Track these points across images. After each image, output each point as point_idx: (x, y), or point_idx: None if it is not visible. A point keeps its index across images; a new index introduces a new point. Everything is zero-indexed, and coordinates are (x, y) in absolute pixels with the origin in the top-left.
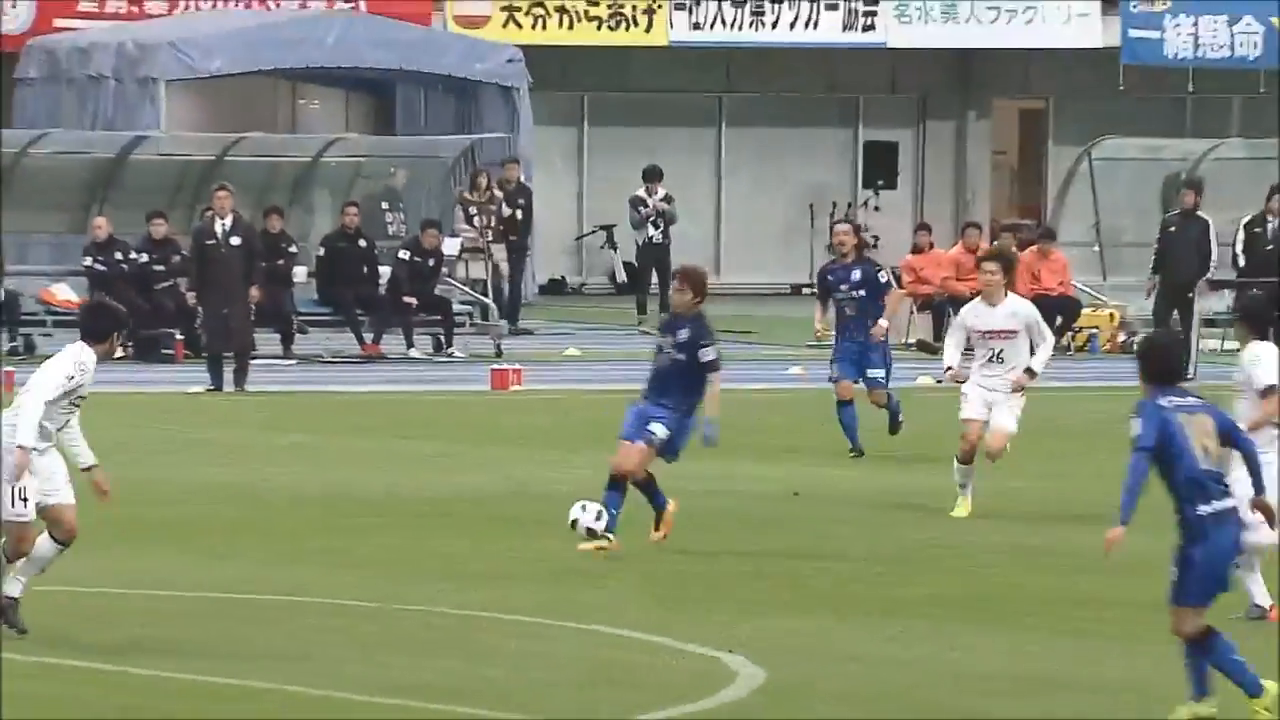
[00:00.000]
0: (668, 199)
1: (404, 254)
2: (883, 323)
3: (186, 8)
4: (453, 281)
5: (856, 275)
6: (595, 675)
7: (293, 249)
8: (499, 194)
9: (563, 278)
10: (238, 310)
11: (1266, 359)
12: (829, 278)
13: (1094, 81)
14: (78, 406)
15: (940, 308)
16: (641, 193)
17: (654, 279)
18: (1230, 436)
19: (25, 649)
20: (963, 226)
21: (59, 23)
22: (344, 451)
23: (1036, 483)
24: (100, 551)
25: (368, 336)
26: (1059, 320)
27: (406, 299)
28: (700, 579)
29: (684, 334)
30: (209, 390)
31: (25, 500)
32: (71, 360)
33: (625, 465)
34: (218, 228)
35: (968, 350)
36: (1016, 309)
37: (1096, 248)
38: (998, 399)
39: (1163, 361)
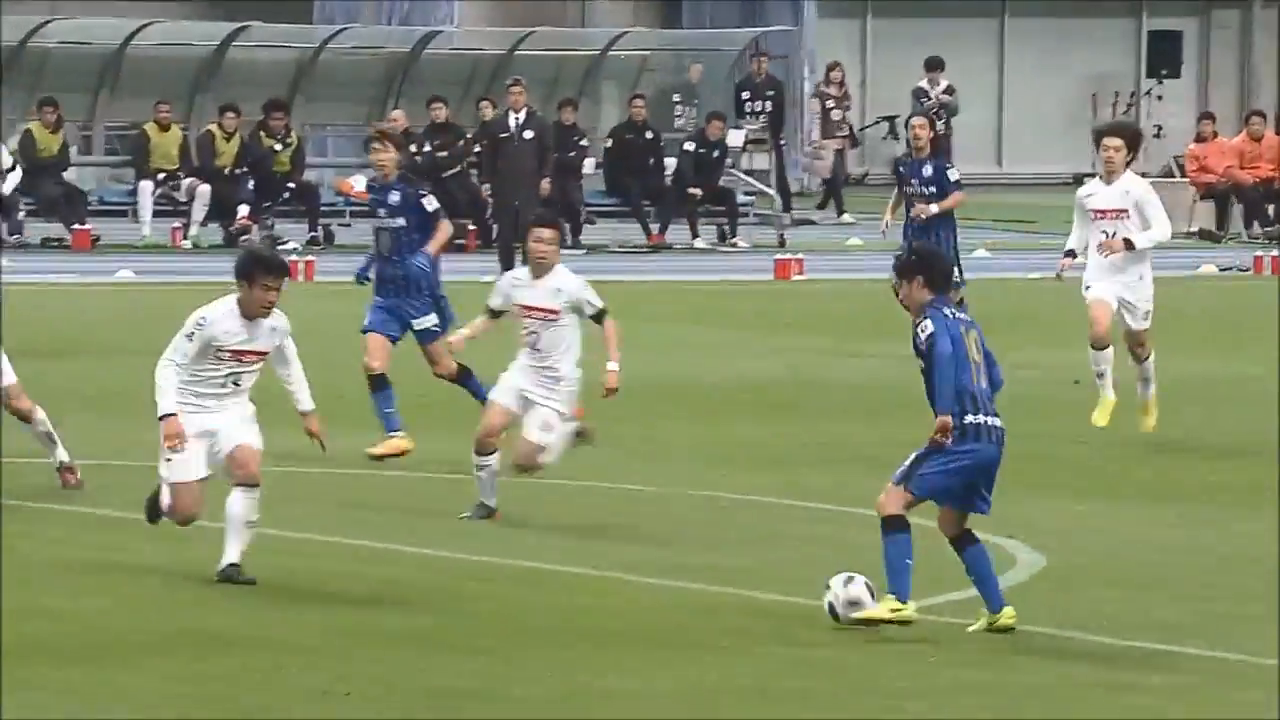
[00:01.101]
0: (950, 90)
1: (689, 146)
2: (931, 207)
3: None
4: (736, 172)
5: (929, 170)
6: (878, 561)
7: (584, 142)
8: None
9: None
10: (529, 201)
11: None
12: (901, 170)
13: None
14: (243, 361)
15: (1224, 196)
16: (924, 83)
17: None
18: (988, 357)
19: (294, 525)
20: (1246, 115)
21: None
22: (629, 340)
23: None
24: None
25: (654, 227)
26: None
27: (691, 190)
28: None
29: None
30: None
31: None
32: (191, 319)
33: None
34: (511, 121)
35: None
36: (1130, 187)
37: None
38: (1121, 283)
39: (943, 271)
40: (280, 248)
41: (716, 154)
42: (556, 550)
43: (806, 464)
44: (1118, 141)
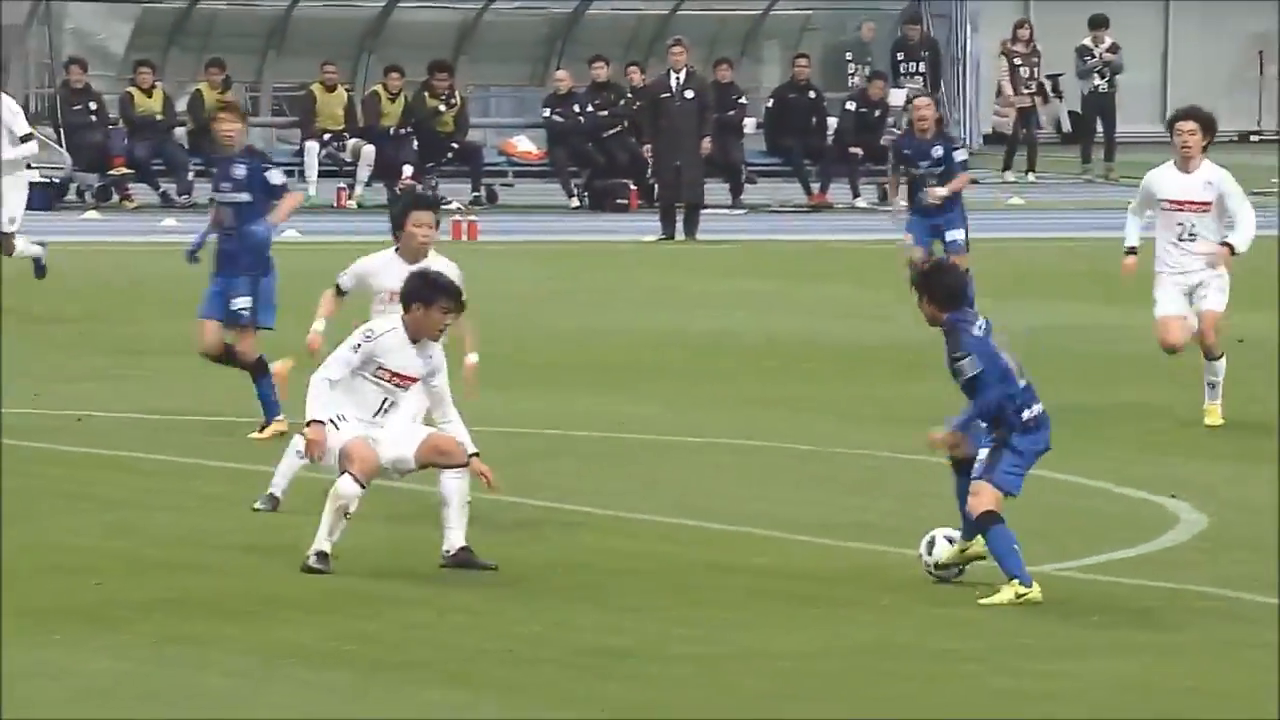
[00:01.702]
0: (1114, 48)
1: (850, 105)
2: (940, 190)
3: None
4: (897, 131)
5: (938, 151)
6: (1032, 521)
7: (741, 99)
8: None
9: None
10: (690, 161)
11: None
12: (906, 151)
13: None
14: (401, 385)
15: None
16: (1088, 41)
17: (1099, 128)
18: None
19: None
20: None
21: None
22: (791, 299)
23: None
24: (555, 393)
25: (815, 186)
26: None
27: (852, 149)
28: (1141, 425)
29: None
30: (661, 239)
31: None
32: (358, 332)
33: None
34: (672, 81)
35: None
36: (1212, 177)
37: None
38: (1195, 280)
39: (947, 287)
40: (444, 208)
41: (878, 113)
42: (712, 509)
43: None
44: (1192, 125)
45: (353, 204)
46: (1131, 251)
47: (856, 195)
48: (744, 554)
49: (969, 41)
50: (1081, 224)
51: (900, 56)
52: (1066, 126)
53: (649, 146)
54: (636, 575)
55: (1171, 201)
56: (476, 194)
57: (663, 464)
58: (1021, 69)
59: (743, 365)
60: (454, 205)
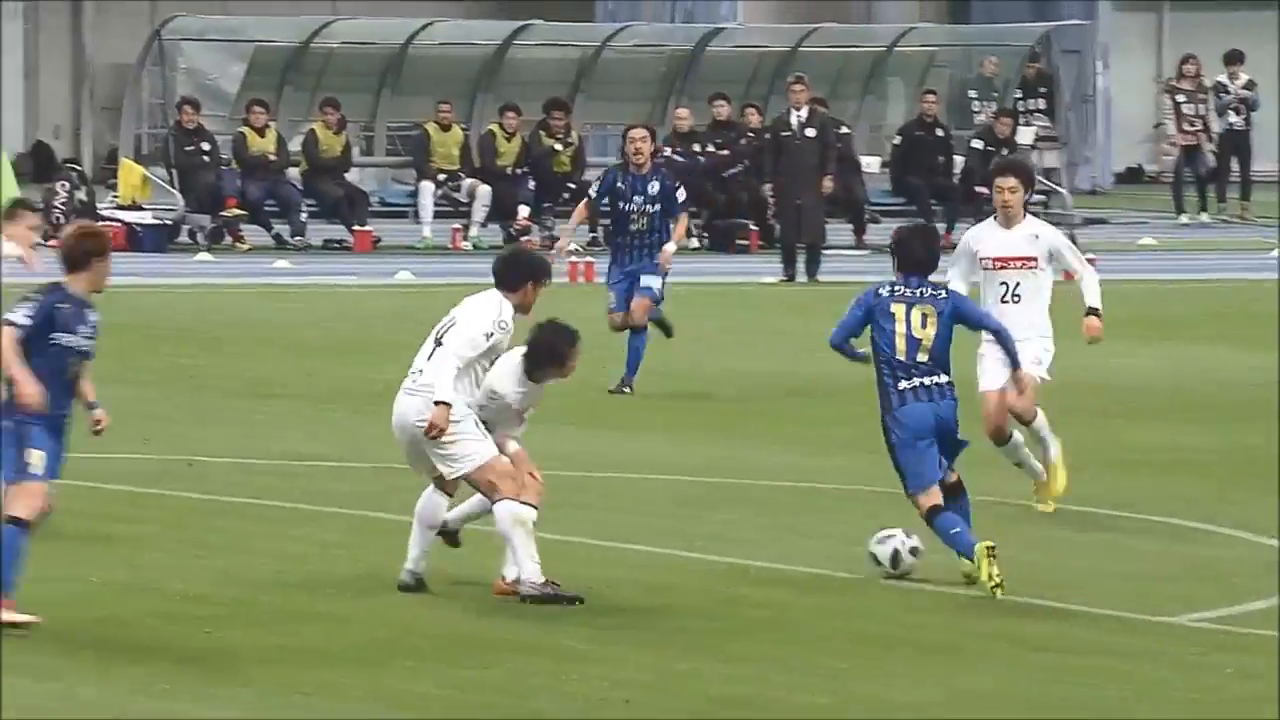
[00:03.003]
0: (1250, 84)
1: (977, 143)
2: (670, 247)
3: None
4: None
5: (654, 188)
6: (1167, 568)
7: (844, 130)
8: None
9: (1139, 165)
10: (811, 201)
11: None
12: (620, 185)
13: None
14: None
15: None
16: (1223, 78)
17: (1234, 166)
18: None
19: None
20: None
21: None
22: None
23: None
24: (671, 437)
25: (941, 226)
26: None
27: (979, 189)
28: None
29: None
30: (782, 280)
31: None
32: (492, 319)
33: None
34: (793, 119)
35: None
36: (1039, 231)
37: None
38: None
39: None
40: (562, 249)
41: (1005, 151)
42: (831, 554)
43: (1092, 468)
44: (1013, 181)
45: (468, 245)
46: None
47: None
48: (863, 601)
49: (1099, 78)
50: (1216, 265)
51: (1020, 94)
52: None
53: (770, 186)
54: (759, 623)
55: (995, 259)
56: (594, 234)
57: (789, 507)
58: (1185, 106)
59: (865, 409)
60: (571, 247)
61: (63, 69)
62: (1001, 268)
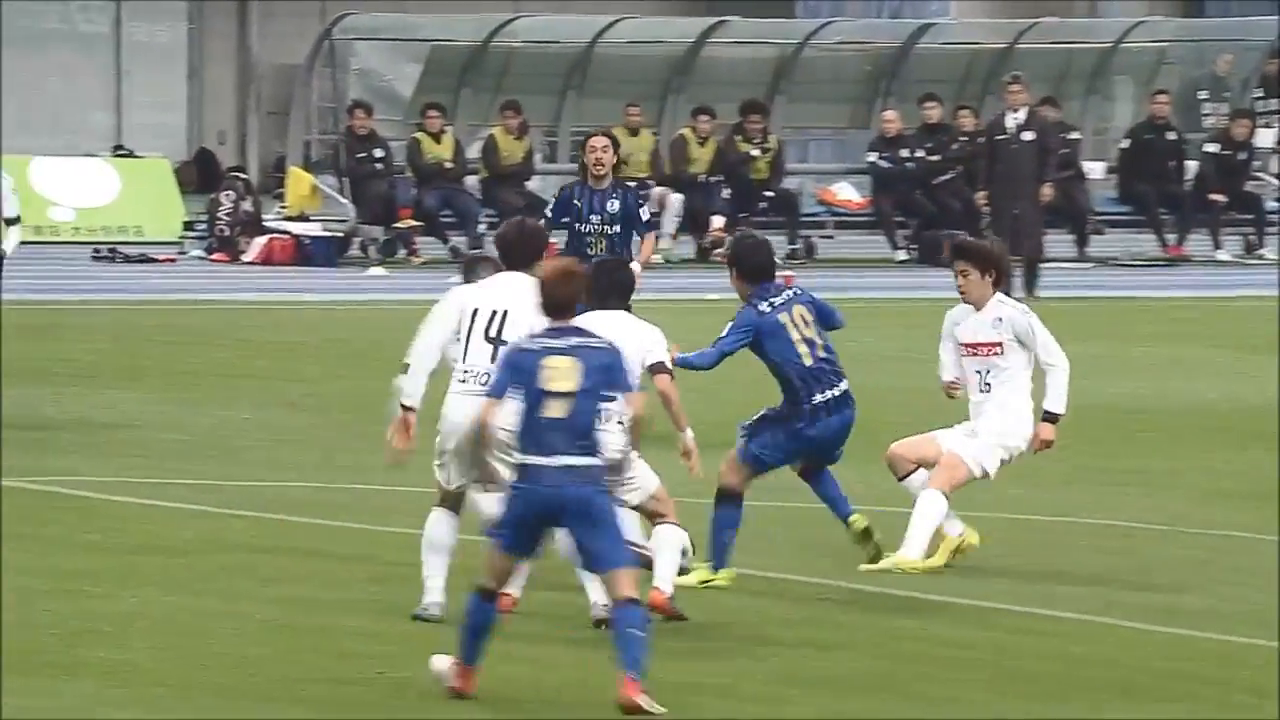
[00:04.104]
0: None
1: (1211, 147)
2: (634, 268)
3: None
4: (1265, 176)
5: (614, 205)
6: None
7: (1075, 135)
8: None
9: None
10: (1029, 209)
11: None
12: (576, 202)
13: None
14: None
15: None
16: None
17: None
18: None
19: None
20: None
21: None
22: (1141, 362)
23: None
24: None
25: (1170, 237)
26: None
27: (1214, 196)
28: None
29: None
30: None
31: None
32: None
33: None
34: (1009, 122)
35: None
36: (1002, 313)
37: None
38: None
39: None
40: None
41: (1243, 156)
42: (1031, 591)
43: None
44: (964, 265)
45: (658, 258)
46: (950, 382)
47: (1218, 247)
48: (1081, 643)
49: None
50: None
51: (1260, 93)
52: None
53: (984, 194)
54: (960, 665)
55: (965, 345)
56: (794, 246)
57: (1001, 542)
58: None
59: (1094, 435)
60: None
61: (228, 72)
62: (972, 354)
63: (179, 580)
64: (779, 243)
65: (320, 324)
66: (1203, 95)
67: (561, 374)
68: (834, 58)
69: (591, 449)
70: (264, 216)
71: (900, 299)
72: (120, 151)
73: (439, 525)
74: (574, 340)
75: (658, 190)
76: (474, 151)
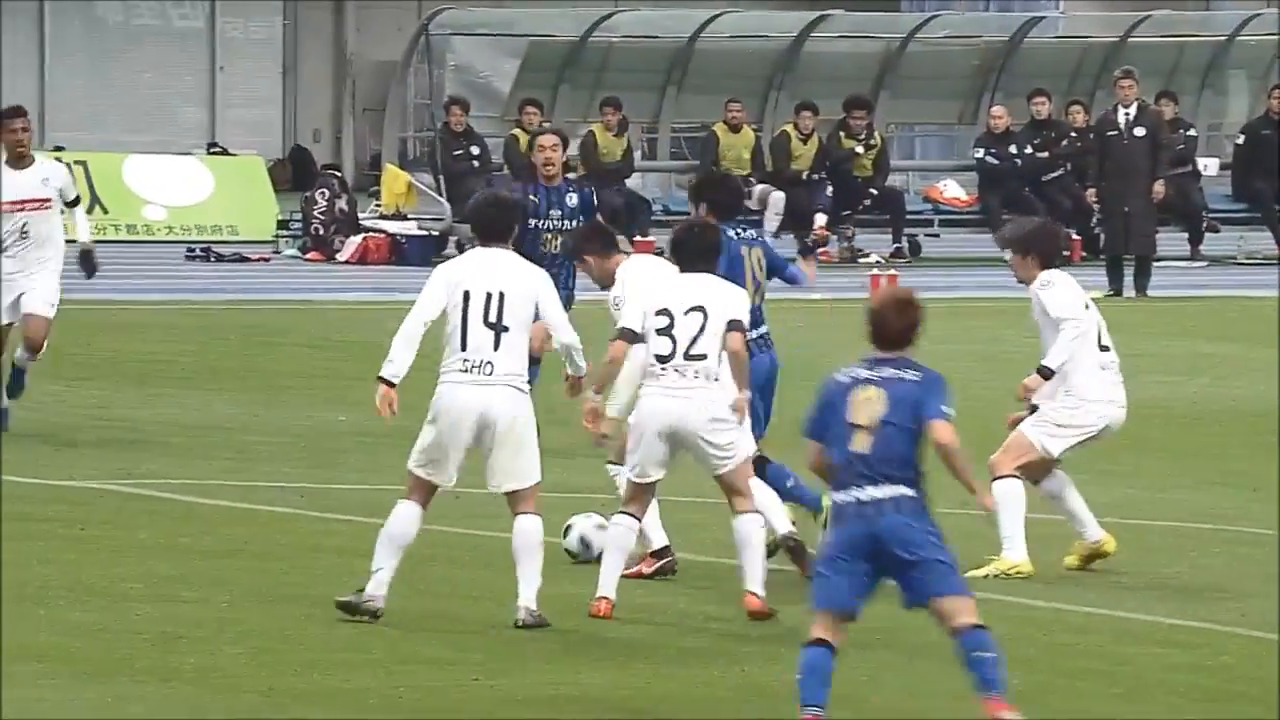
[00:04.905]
0: None
1: None
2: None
3: None
4: None
5: (573, 200)
6: None
7: (1191, 132)
8: None
9: None
10: (1140, 207)
11: None
12: (533, 199)
13: None
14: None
15: None
16: None
17: None
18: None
19: None
20: None
21: None
22: (1256, 363)
23: None
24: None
25: None
26: None
27: None
28: None
29: None
30: (1108, 295)
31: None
32: None
33: None
34: (1120, 117)
35: None
36: (1032, 294)
37: None
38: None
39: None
40: (861, 260)
41: None
42: (1161, 602)
43: None
44: (1007, 251)
45: None
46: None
47: None
48: (1198, 654)
49: None
50: None
51: None
52: None
53: (1094, 191)
54: (1084, 675)
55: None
56: (898, 245)
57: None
58: None
59: (1202, 437)
60: (872, 258)
61: (323, 68)
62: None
63: (273, 586)
64: (884, 241)
65: None
66: None
67: (866, 406)
68: (940, 52)
69: (901, 480)
70: (359, 215)
71: (1007, 299)
72: (214, 149)
73: (405, 520)
74: (888, 372)
75: (760, 188)
76: (573, 149)
